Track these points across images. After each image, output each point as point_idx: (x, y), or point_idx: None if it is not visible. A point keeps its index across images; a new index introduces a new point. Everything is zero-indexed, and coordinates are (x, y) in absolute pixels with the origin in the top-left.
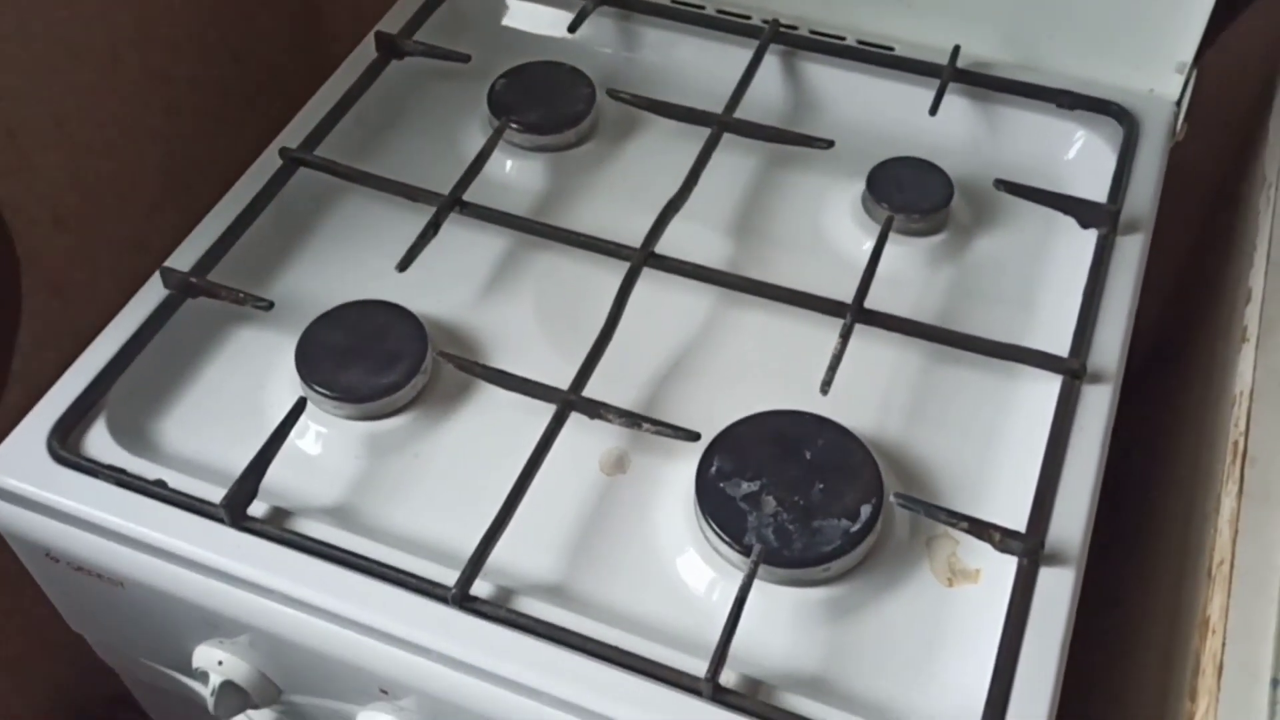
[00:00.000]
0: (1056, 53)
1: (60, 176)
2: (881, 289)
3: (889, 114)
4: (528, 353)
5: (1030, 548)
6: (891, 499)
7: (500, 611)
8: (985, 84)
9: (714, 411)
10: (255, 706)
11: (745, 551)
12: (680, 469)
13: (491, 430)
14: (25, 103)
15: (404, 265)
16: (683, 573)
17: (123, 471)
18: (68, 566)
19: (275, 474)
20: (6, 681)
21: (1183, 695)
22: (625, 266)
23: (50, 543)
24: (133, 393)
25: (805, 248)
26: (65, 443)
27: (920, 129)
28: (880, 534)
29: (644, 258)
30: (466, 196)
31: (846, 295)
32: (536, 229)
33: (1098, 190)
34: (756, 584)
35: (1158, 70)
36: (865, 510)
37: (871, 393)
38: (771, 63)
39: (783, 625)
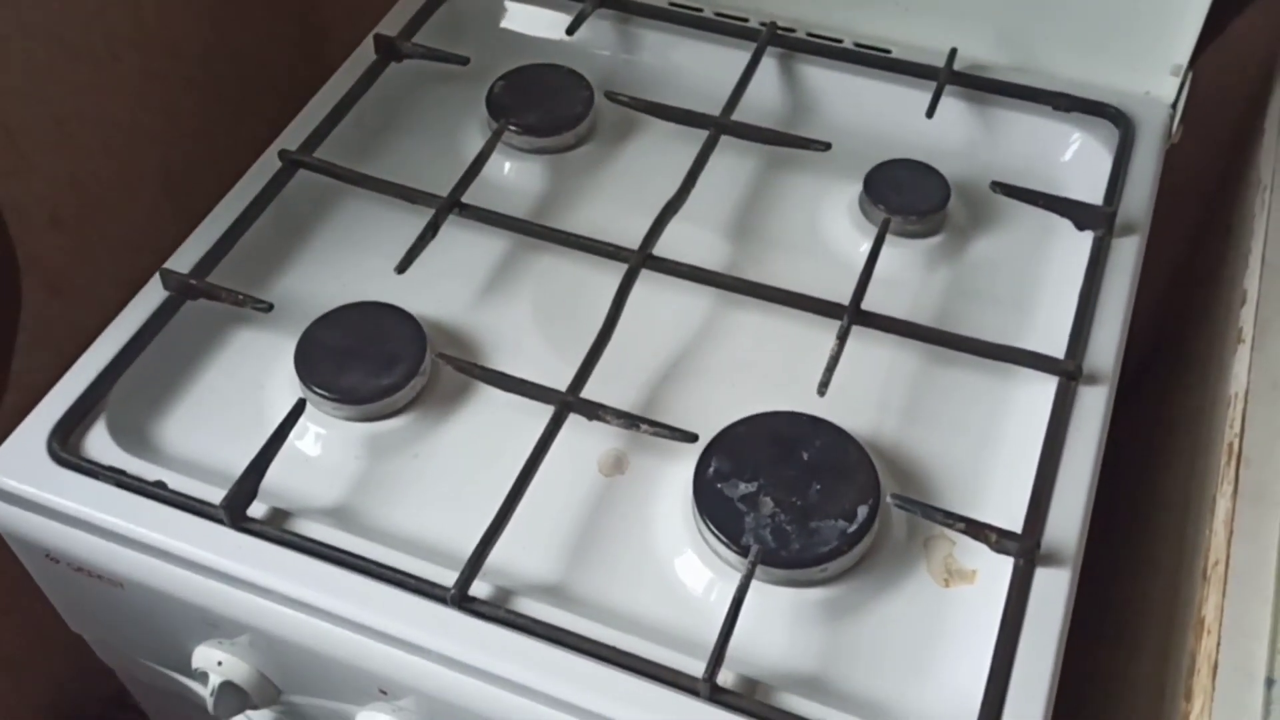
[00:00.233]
0: (1052, 55)
1: (59, 177)
2: (878, 290)
3: (885, 116)
4: (526, 354)
5: (1026, 548)
6: (888, 500)
7: (499, 612)
8: (982, 86)
9: (711, 412)
10: (255, 707)
11: (743, 552)
12: (678, 470)
13: (490, 431)
14: (25, 103)
15: (403, 267)
16: (680, 573)
17: (123, 472)
18: (68, 567)
19: (274, 475)
20: (5, 681)
21: (1178, 695)
22: (623, 268)
23: (50, 543)
24: (133, 394)
25: (802, 249)
26: (65, 444)
27: (917, 131)
28: (877, 535)
29: (642, 259)
30: (465, 198)
31: (843, 297)
32: (535, 231)
33: (1094, 192)
34: (754, 584)
35: (1153, 73)
36: (862, 511)
37: (868, 394)
38: (769, 65)
39: (780, 625)
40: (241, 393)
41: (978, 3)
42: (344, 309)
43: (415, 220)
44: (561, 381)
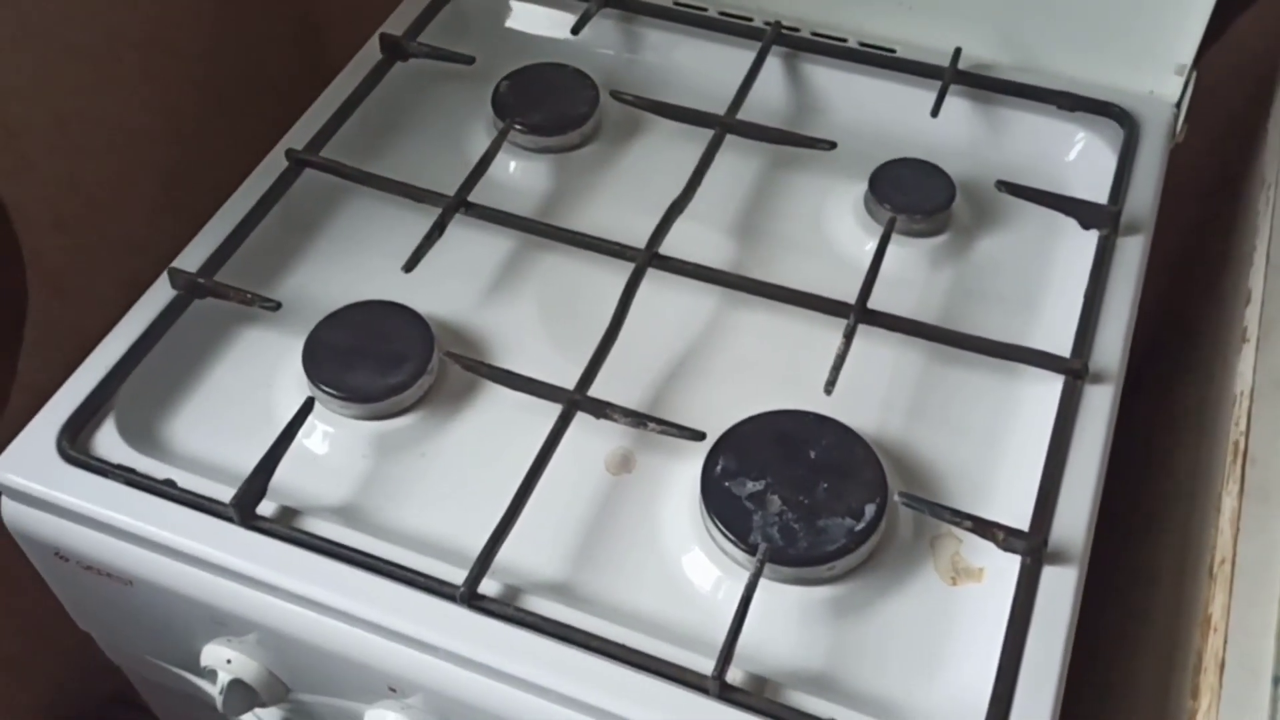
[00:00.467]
0: (1056, 54)
1: (61, 178)
2: (884, 289)
3: (890, 115)
4: (532, 352)
5: (1033, 546)
6: (896, 498)
7: (508, 610)
8: (986, 85)
9: (718, 411)
10: (263, 705)
11: (751, 550)
12: (685, 468)
13: (497, 429)
14: (27, 104)
15: (410, 266)
16: (688, 571)
17: (132, 471)
18: (77, 566)
19: (282, 473)
20: (8, 680)
21: (1185, 693)
22: (630, 267)
23: (60, 542)
24: (141, 392)
25: (808, 248)
26: (75, 442)
27: (921, 130)
28: (884, 533)
29: (648, 259)
30: (471, 197)
31: (849, 295)
32: (541, 230)
33: (1098, 191)
34: (761, 582)
35: (1157, 72)
36: (869, 509)
37: (874, 392)
38: (774, 64)
39: (788, 623)
40: (249, 391)
41: (982, 2)
42: (351, 308)
43: (421, 219)
44: (568, 380)
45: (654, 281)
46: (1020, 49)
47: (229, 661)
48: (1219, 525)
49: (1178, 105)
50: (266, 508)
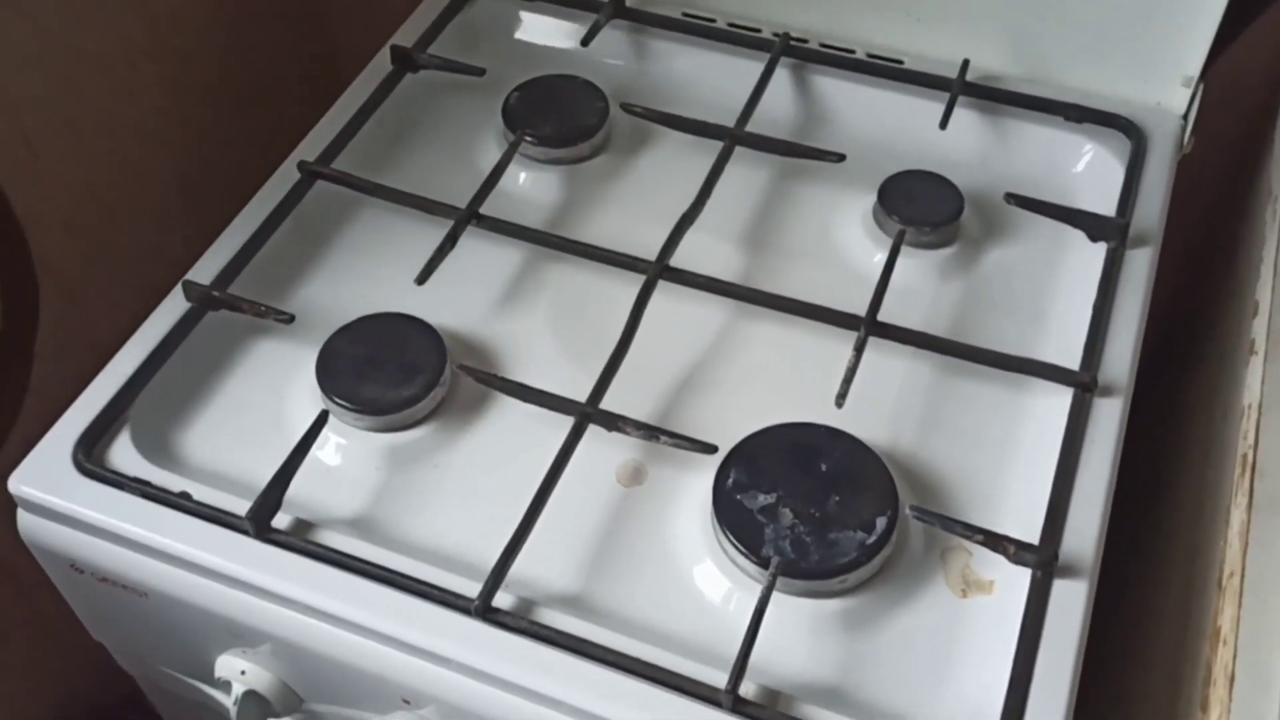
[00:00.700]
0: (1064, 66)
1: (75, 185)
2: (893, 301)
3: (898, 126)
4: (543, 364)
5: (1044, 560)
6: (907, 512)
7: (521, 623)
8: (994, 97)
9: (729, 423)
10: (277, 715)
11: (763, 563)
12: (696, 481)
13: (509, 441)
14: (43, 112)
15: (423, 278)
16: (700, 583)
17: (148, 483)
18: (92, 577)
19: (296, 485)
20: (21, 685)
21: (1194, 705)
22: (641, 279)
23: (76, 554)
24: (156, 405)
25: (817, 260)
26: (90, 455)
27: (930, 142)
28: (895, 546)
29: (659, 271)
30: (482, 209)
31: (858, 307)
32: (552, 242)
33: (1106, 203)
34: (773, 595)
35: (1164, 84)
36: (881, 522)
37: (884, 405)
38: (782, 76)
39: (799, 636)
40: (262, 403)
41: (990, 14)
42: (364, 320)
43: (432, 230)
44: (578, 391)
45: (664, 293)
46: (1028, 60)
47: (243, 672)
48: (1227, 538)
49: (1185, 117)
50: (281, 520)
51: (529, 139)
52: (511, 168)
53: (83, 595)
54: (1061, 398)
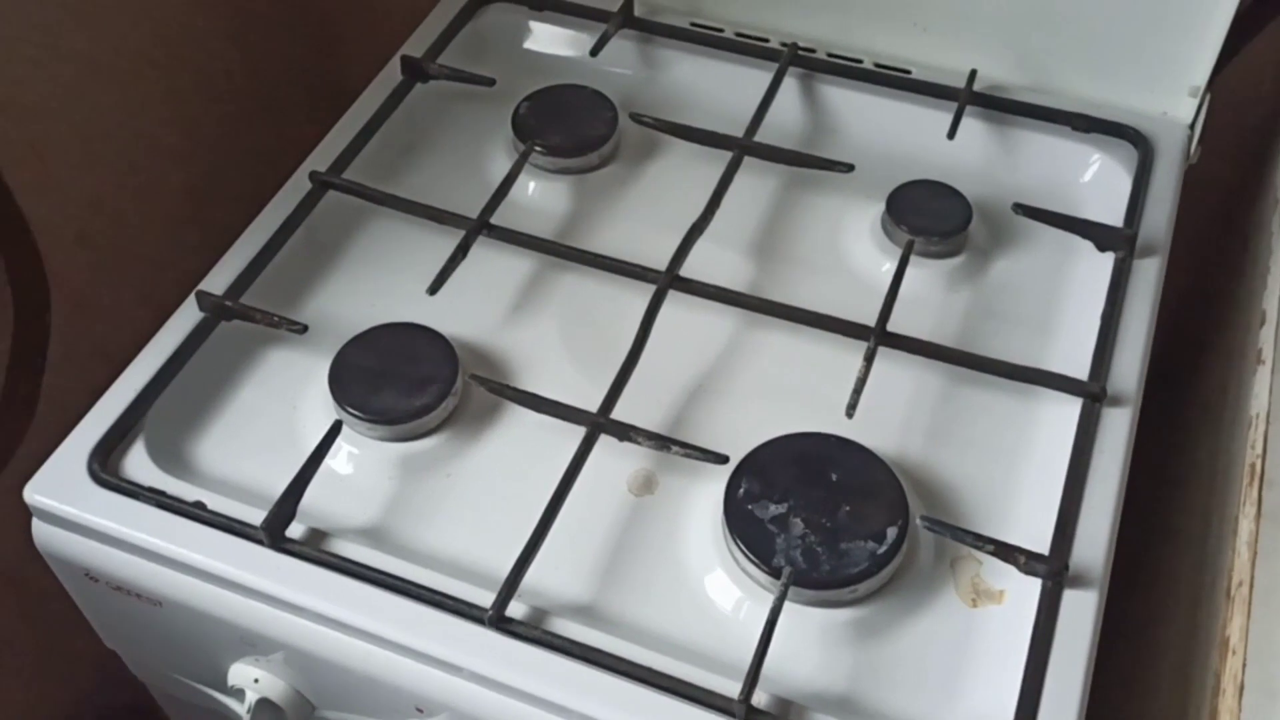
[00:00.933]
0: (1071, 76)
1: (85, 195)
2: (901, 311)
3: (906, 136)
4: (554, 373)
5: (1054, 570)
6: (918, 522)
7: (535, 632)
8: (1001, 107)
9: (739, 433)
10: None
11: (774, 573)
12: (707, 490)
13: (521, 451)
14: (53, 123)
15: (435, 289)
16: (711, 593)
17: (163, 493)
18: (107, 586)
19: (308, 494)
20: (29, 691)
21: (1203, 715)
22: (651, 289)
23: (90, 563)
24: (169, 415)
25: (825, 269)
26: (106, 465)
27: (937, 151)
28: (905, 555)
29: (669, 281)
30: (493, 219)
31: (867, 316)
32: (563, 252)
33: (1114, 212)
34: (784, 605)
35: (1171, 93)
36: (891, 532)
37: (894, 414)
38: (790, 86)
39: (810, 646)
40: (275, 413)
41: (997, 24)
42: (376, 330)
43: (443, 240)
44: (589, 401)
45: (674, 303)
46: (1035, 70)
47: (256, 681)
48: (1236, 548)
49: (1192, 127)
50: (295, 530)
51: (539, 149)
52: (521, 177)
53: (97, 604)
54: (1070, 407)
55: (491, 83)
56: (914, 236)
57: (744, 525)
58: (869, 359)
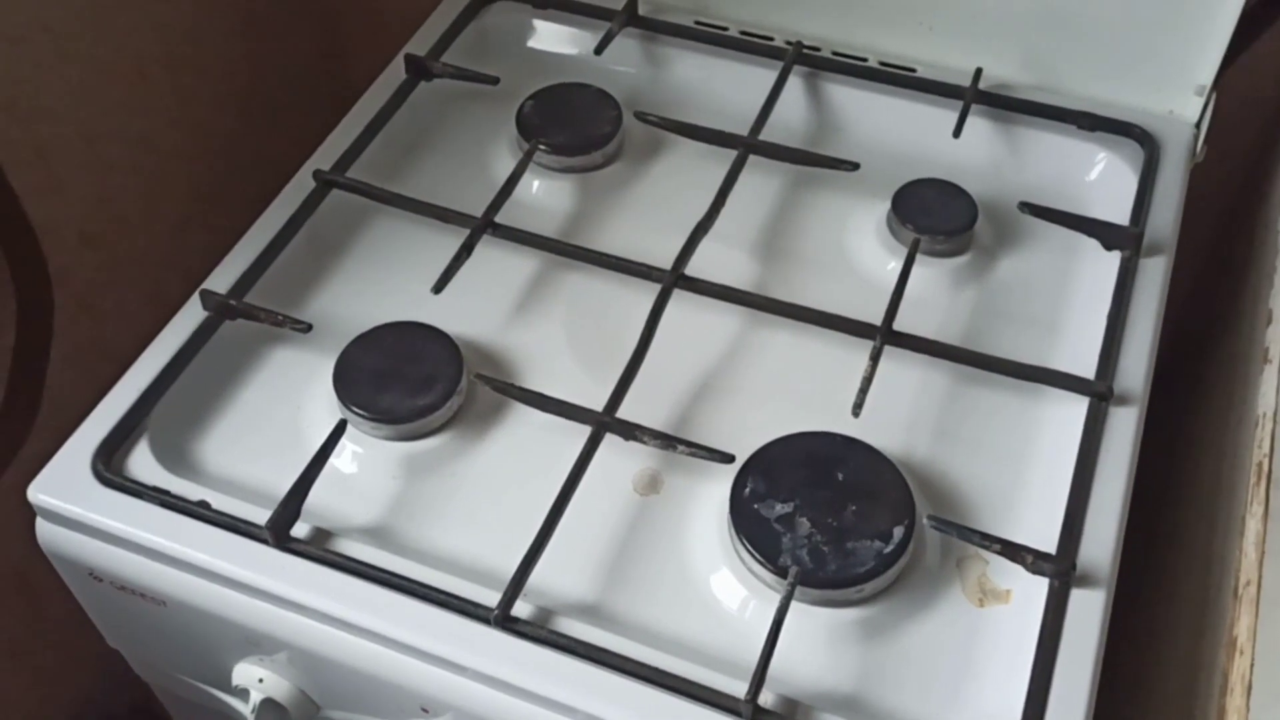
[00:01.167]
0: (1077, 75)
1: (89, 195)
2: (907, 310)
3: (911, 135)
4: (559, 372)
5: (1062, 569)
6: (924, 521)
7: (540, 632)
8: (1007, 106)
9: (745, 432)
10: None
11: (780, 573)
12: (713, 490)
13: (526, 450)
14: (58, 123)
15: (439, 287)
16: (717, 592)
17: (167, 493)
18: (111, 586)
19: (313, 494)
20: (34, 691)
21: (1211, 715)
22: (656, 288)
23: (94, 562)
24: (173, 414)
25: (831, 268)
26: (110, 464)
27: (942, 150)
28: (912, 555)
29: (674, 280)
30: (497, 218)
31: (873, 315)
32: (568, 251)
33: (1119, 211)
34: (790, 604)
35: (1177, 92)
36: (898, 532)
37: (900, 414)
38: (795, 84)
39: (817, 646)
40: (280, 412)
41: (1002, 23)
42: (381, 329)
43: (447, 239)
44: (594, 400)
45: (679, 302)
46: (1041, 69)
47: (261, 680)
48: (1243, 547)
49: (1197, 125)
50: (299, 529)
51: (543, 147)
52: (525, 176)
53: (101, 604)
54: (1077, 407)
55: (495, 81)
56: (920, 235)
57: (750, 525)
58: (875, 358)
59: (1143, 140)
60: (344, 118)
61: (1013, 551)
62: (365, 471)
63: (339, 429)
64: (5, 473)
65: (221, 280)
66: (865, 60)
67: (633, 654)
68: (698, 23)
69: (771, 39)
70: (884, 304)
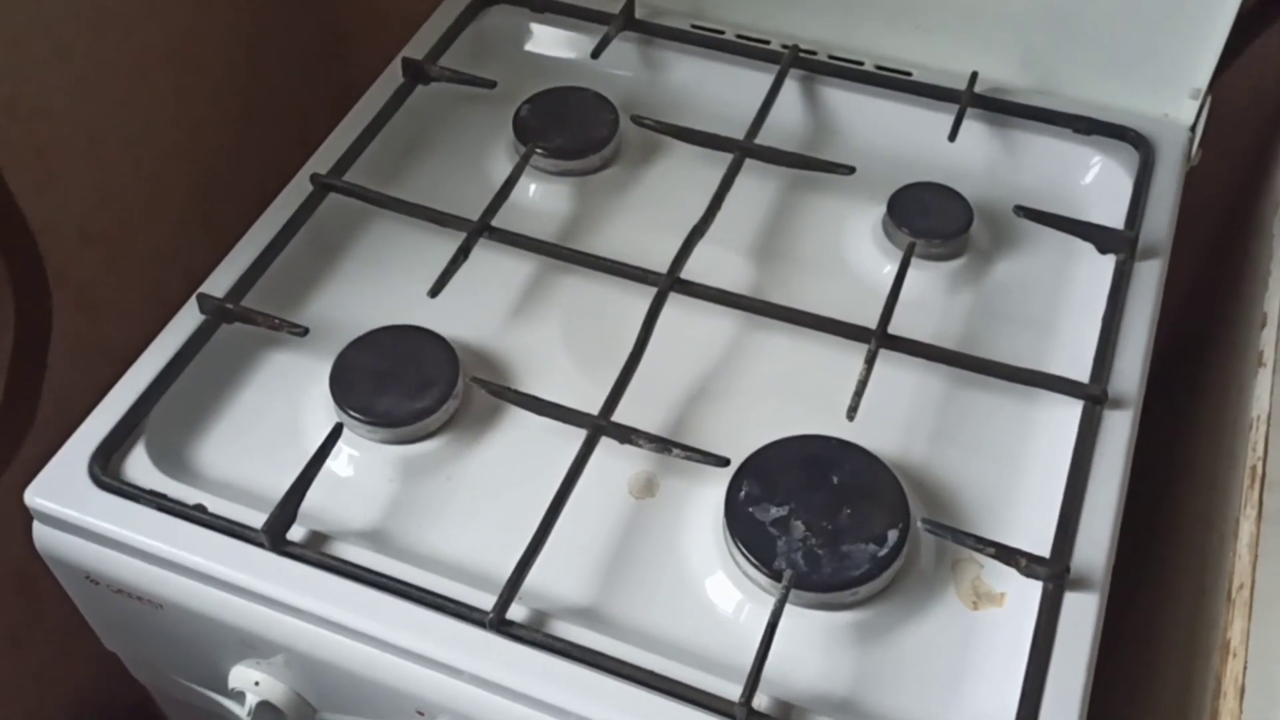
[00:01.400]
0: (1072, 78)
1: (89, 194)
2: (902, 313)
3: (907, 138)
4: (555, 375)
5: (1055, 572)
6: (919, 524)
7: (536, 635)
8: (1003, 109)
9: (740, 435)
10: None
11: (775, 576)
12: (708, 493)
13: (522, 453)
14: (58, 122)
15: (436, 291)
16: (711, 595)
17: (164, 496)
18: (107, 589)
19: (309, 497)
20: (33, 692)
21: (1204, 718)
22: (652, 291)
23: (91, 566)
24: (171, 418)
25: (827, 272)
26: (106, 467)
27: (938, 153)
28: (907, 558)
29: (671, 283)
30: (494, 222)
31: (868, 319)
32: (564, 254)
33: (1115, 214)
34: (785, 607)
35: (1173, 95)
36: (892, 535)
37: (895, 417)
38: (791, 88)
39: (811, 648)
40: (276, 416)
41: (999, 26)
42: (377, 332)
43: (443, 242)
44: (590, 403)
45: (675, 305)
46: (1036, 72)
47: (257, 683)
48: (1237, 550)
49: (1193, 129)
50: (296, 533)
51: (540, 151)
52: (522, 180)
53: (97, 606)
54: (1071, 410)
55: (493, 85)
56: (915, 239)
57: (745, 528)
58: (870, 361)
59: (1138, 144)
60: (342, 120)
61: (1007, 555)
62: (361, 475)
63: (335, 432)
64: (5, 472)
65: (219, 283)
66: (861, 64)
67: (628, 657)
68: (694, 26)
69: (768, 42)
70: (879, 307)
